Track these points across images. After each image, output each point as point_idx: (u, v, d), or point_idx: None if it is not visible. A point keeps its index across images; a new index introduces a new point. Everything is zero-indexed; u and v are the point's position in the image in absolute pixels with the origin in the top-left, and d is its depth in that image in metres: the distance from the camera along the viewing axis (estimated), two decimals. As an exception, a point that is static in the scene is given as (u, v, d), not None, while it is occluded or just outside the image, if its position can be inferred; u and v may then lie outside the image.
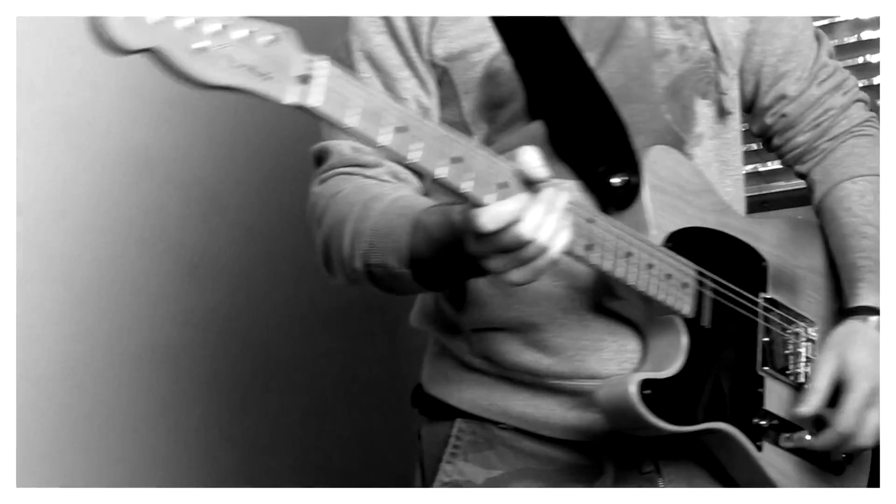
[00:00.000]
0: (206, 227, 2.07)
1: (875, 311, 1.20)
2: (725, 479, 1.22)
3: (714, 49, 1.24)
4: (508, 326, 1.20)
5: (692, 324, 1.14)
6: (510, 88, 1.20)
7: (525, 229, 0.94)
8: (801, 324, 1.26)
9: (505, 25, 1.19)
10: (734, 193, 1.31)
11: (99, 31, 0.76)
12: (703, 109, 1.26)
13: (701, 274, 1.16)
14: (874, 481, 1.26)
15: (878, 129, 1.35)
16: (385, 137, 0.89)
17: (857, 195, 1.30)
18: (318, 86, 0.85)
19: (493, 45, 1.20)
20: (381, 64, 1.24)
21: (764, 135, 1.40)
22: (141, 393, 1.99)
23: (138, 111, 2.00)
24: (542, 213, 0.95)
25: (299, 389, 2.20)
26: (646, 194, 1.15)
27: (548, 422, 1.21)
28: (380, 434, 2.22)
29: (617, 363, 1.16)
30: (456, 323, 1.24)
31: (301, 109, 0.86)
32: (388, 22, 1.23)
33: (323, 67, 0.86)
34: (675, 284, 1.12)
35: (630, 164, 1.17)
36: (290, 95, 0.84)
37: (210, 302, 2.07)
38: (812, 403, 1.15)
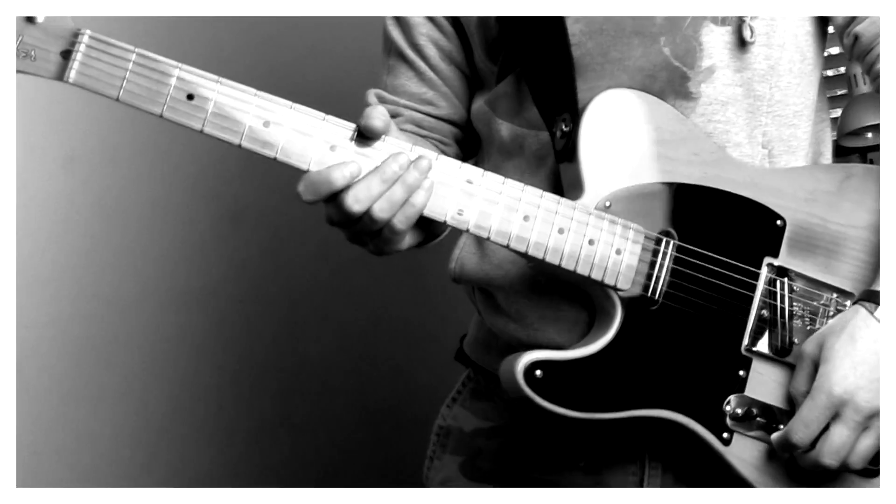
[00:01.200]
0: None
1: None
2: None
3: None
4: (484, 287, 1.15)
5: (634, 300, 0.97)
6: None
7: (347, 201, 0.90)
8: (831, 295, 1.01)
9: None
10: (776, 133, 1.07)
11: None
12: (717, 37, 1.04)
13: (647, 237, 0.98)
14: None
15: None
16: (167, 109, 0.89)
17: None
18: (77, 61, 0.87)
19: None
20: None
21: (849, 56, 1.12)
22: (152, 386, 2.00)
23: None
24: (370, 183, 0.90)
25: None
26: (583, 146, 0.98)
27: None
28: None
29: (578, 333, 1.03)
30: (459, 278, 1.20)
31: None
32: None
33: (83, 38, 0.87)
34: (603, 253, 0.96)
35: (572, 111, 1.01)
36: (51, 72, 0.86)
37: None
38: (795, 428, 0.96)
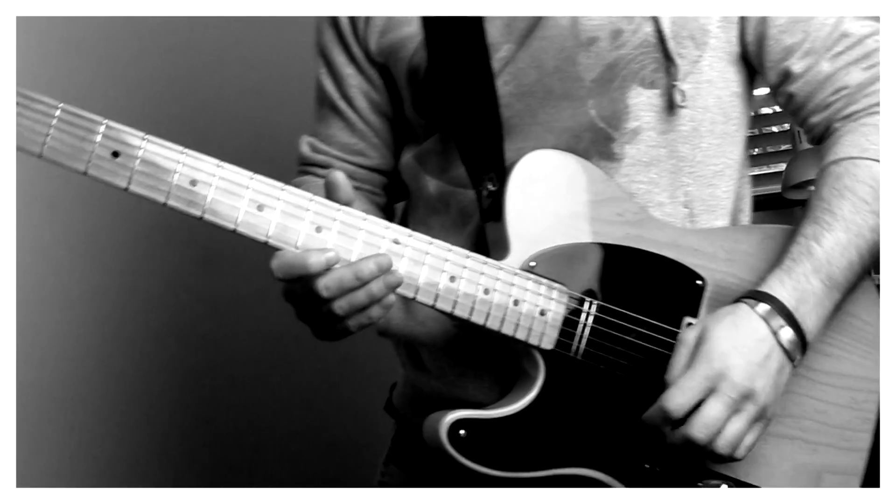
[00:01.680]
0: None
1: (775, 301, 0.97)
2: None
3: (659, 33, 1.04)
4: (407, 341, 1.16)
5: (555, 357, 0.98)
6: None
7: (318, 286, 0.90)
8: None
9: (429, 20, 1.12)
10: (697, 193, 1.09)
11: None
12: (644, 100, 1.06)
13: (580, 298, 0.99)
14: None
15: None
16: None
17: (833, 178, 1.03)
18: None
19: (415, 39, 1.13)
20: (331, 61, 1.22)
21: (785, 112, 1.16)
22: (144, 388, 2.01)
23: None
24: (343, 276, 0.91)
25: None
26: (509, 207, 1.00)
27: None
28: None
29: (498, 392, 1.04)
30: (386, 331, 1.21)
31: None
32: (335, 20, 1.21)
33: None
34: (528, 313, 0.97)
35: (499, 170, 1.03)
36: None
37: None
38: (664, 405, 0.96)
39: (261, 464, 2.14)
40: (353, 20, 1.18)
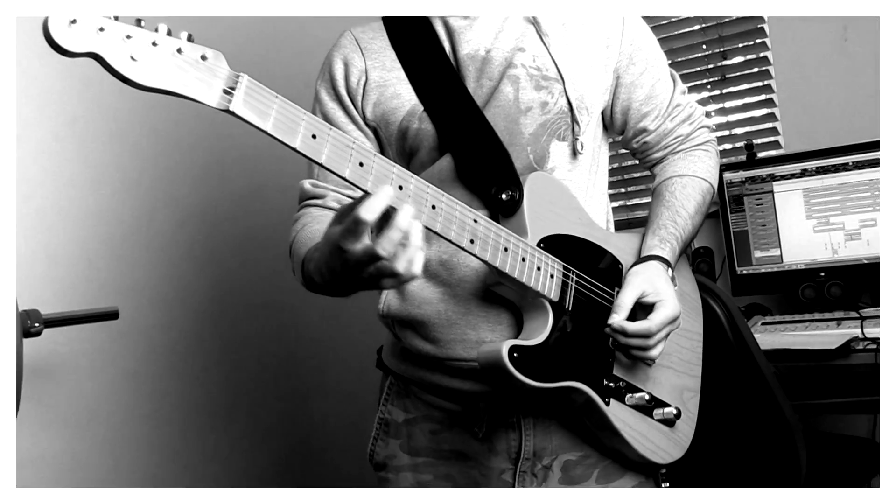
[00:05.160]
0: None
1: (669, 265, 1.47)
2: (576, 429, 1.47)
3: (570, 105, 1.47)
4: (406, 321, 1.46)
5: (557, 306, 1.36)
6: (417, 142, 1.47)
7: (400, 222, 1.09)
8: None
9: (421, 85, 1.46)
10: (590, 210, 1.52)
11: (46, 35, 0.87)
12: (558, 150, 1.48)
13: (566, 269, 1.39)
14: (698, 437, 1.52)
15: (715, 148, 1.64)
16: (299, 142, 1.06)
17: (681, 185, 1.57)
18: (239, 95, 1.01)
19: (404, 108, 1.46)
20: (332, 119, 1.50)
21: (632, 152, 1.66)
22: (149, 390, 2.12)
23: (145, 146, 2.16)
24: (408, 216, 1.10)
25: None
26: (525, 207, 1.38)
27: (440, 385, 1.47)
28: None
29: (475, 351, 1.37)
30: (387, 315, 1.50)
31: (227, 112, 1.00)
32: (336, 92, 1.51)
33: (243, 81, 1.01)
34: (544, 275, 1.34)
35: (514, 185, 1.40)
36: (217, 101, 1.00)
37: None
38: (617, 318, 1.37)
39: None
40: (349, 91, 1.50)
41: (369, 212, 1.07)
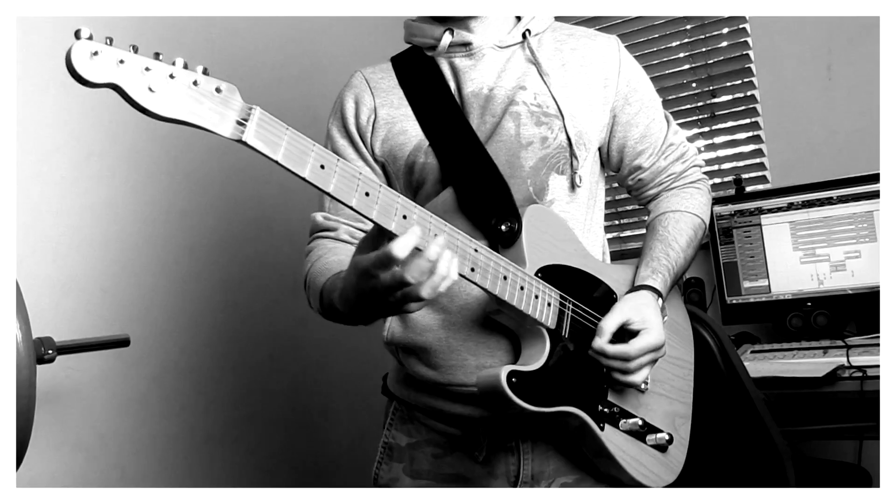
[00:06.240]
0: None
1: (660, 295, 1.50)
2: (572, 454, 1.50)
3: (569, 140, 1.52)
4: (409, 348, 1.50)
5: (554, 333, 1.40)
6: (422, 175, 1.51)
7: (430, 254, 1.14)
8: None
9: (427, 121, 1.51)
10: (587, 241, 1.56)
11: (69, 65, 0.90)
12: (557, 183, 1.53)
13: (563, 298, 1.42)
14: (689, 462, 1.55)
15: (707, 186, 1.69)
16: (308, 172, 1.09)
17: (674, 220, 1.62)
18: (251, 126, 1.03)
19: (411, 143, 1.51)
20: (345, 158, 1.53)
21: (628, 189, 1.72)
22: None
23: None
24: (440, 246, 1.16)
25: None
26: (524, 238, 1.41)
27: (442, 410, 1.50)
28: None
29: (475, 376, 1.41)
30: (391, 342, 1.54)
31: (240, 143, 1.03)
32: (346, 130, 1.56)
33: (256, 113, 1.04)
34: (542, 303, 1.38)
35: (514, 216, 1.44)
36: (230, 131, 1.02)
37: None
38: (598, 341, 1.40)
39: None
40: (359, 129, 1.56)
41: (401, 249, 1.12)
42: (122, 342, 1.86)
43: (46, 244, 1.92)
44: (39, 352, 1.67)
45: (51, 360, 1.69)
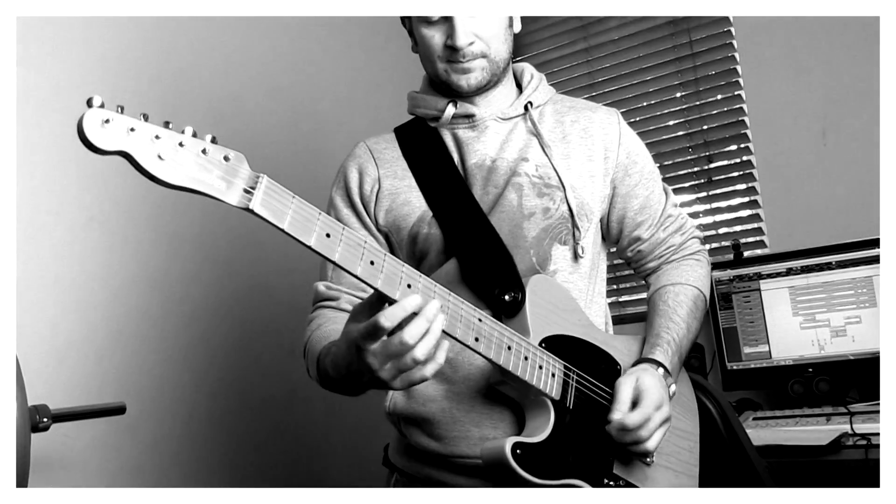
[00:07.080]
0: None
1: (663, 367, 1.47)
2: None
3: (570, 211, 1.52)
4: (412, 419, 1.48)
5: (559, 405, 1.37)
6: (426, 246, 1.51)
7: (406, 335, 1.13)
8: None
9: (430, 192, 1.50)
10: (590, 311, 1.56)
11: (80, 133, 0.90)
12: (560, 253, 1.53)
13: (567, 368, 1.40)
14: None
15: (706, 258, 1.68)
16: (314, 240, 1.08)
17: (673, 293, 1.61)
18: (258, 195, 1.03)
19: (414, 214, 1.51)
20: (346, 223, 1.53)
21: (627, 262, 1.71)
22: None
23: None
24: (423, 324, 1.14)
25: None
26: (527, 308, 1.40)
27: (445, 483, 1.46)
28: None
29: (479, 448, 1.39)
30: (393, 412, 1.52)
31: (247, 211, 1.02)
32: (350, 199, 1.56)
33: (263, 181, 1.03)
34: (546, 374, 1.36)
35: (517, 287, 1.43)
36: (238, 200, 1.01)
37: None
38: (619, 412, 1.38)
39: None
40: (363, 199, 1.55)
41: (389, 319, 1.11)
42: (118, 410, 1.82)
43: (43, 313, 1.89)
44: (34, 420, 1.63)
45: (45, 429, 1.65)
